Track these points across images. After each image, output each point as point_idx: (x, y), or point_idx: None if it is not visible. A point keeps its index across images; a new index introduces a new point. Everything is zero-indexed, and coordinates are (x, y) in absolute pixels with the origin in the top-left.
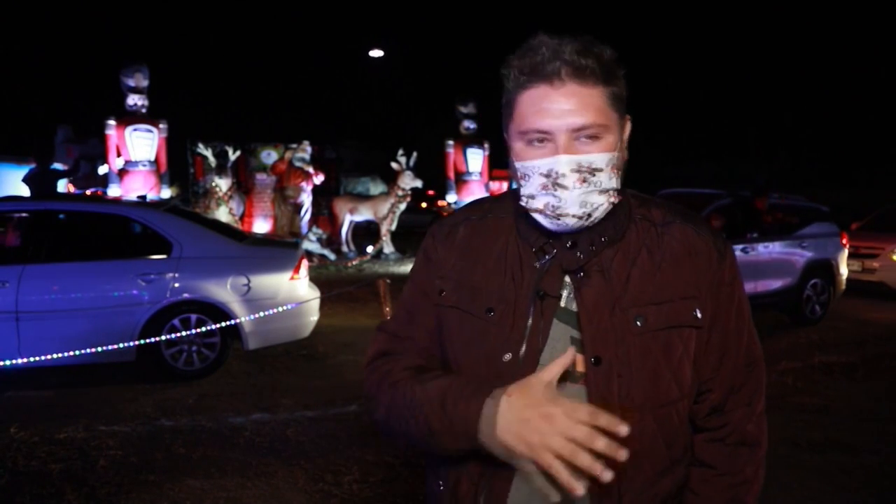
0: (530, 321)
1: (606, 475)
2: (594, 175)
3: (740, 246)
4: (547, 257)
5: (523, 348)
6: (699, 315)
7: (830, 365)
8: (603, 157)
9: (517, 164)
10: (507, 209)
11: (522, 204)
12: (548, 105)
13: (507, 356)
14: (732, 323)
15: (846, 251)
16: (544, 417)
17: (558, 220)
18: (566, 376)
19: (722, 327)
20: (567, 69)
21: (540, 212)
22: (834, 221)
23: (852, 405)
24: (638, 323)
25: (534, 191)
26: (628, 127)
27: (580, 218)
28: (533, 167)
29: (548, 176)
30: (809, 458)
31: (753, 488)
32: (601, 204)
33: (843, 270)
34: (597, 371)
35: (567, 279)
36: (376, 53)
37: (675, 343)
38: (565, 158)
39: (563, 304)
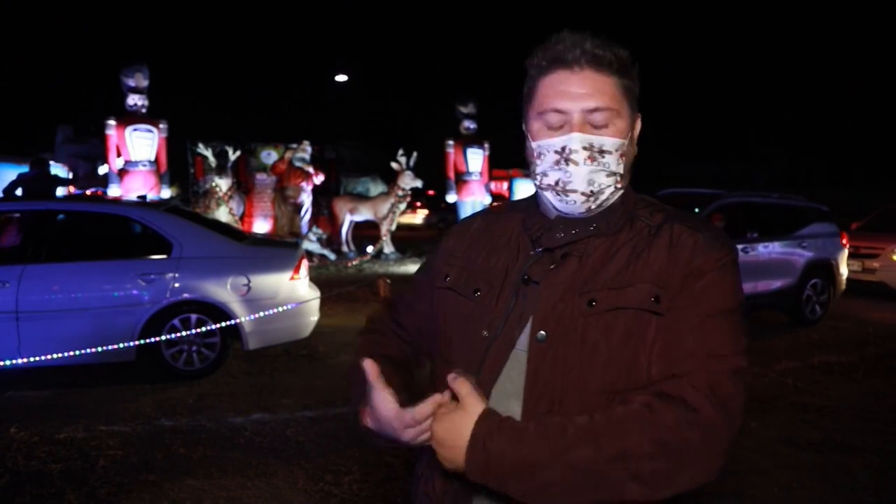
0: (513, 303)
1: None
2: (603, 156)
3: (741, 246)
4: (541, 248)
5: (501, 327)
6: (659, 301)
7: (830, 365)
8: (613, 142)
9: (533, 144)
10: (522, 205)
11: (536, 182)
12: (566, 87)
13: (485, 332)
14: (690, 310)
15: (846, 251)
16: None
17: (567, 196)
18: (519, 345)
19: (677, 312)
20: (586, 58)
21: (551, 188)
22: (834, 221)
23: (852, 405)
24: (590, 305)
25: (547, 168)
26: (639, 124)
27: (587, 196)
28: (548, 145)
29: (560, 152)
30: (809, 458)
31: (644, 462)
32: (608, 186)
33: (843, 270)
34: (537, 347)
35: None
36: (341, 78)
37: (629, 329)
38: (578, 136)
39: None
